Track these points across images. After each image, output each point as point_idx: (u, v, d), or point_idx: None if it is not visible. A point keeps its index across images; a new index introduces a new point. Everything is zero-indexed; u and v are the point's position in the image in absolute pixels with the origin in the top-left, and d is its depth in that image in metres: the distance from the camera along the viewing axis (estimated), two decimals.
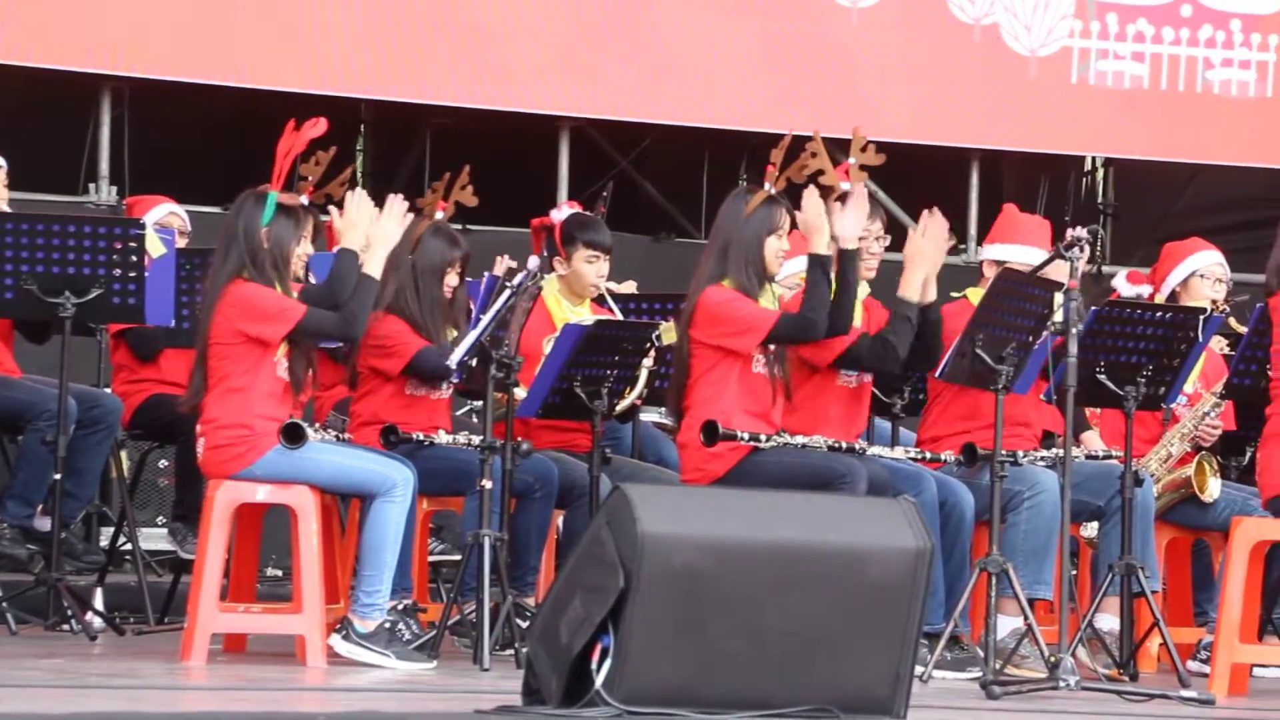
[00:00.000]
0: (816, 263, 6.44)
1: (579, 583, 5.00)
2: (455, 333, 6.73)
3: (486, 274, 6.67)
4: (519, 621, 6.49)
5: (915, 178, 9.51)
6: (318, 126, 6.40)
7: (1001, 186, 10.80)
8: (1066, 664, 6.10)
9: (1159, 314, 6.81)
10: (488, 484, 6.47)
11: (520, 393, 6.69)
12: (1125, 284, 7.48)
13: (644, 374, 6.91)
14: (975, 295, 6.83)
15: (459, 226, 7.52)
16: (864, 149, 6.72)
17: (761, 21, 9.93)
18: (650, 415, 7.51)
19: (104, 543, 8.15)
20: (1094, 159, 11.25)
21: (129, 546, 7.75)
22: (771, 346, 6.47)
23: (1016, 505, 6.65)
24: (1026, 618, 6.44)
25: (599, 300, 7.15)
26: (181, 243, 7.55)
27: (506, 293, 6.48)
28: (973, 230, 10.33)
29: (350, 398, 6.94)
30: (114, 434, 7.40)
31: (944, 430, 6.83)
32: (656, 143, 10.35)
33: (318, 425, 6.80)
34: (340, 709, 5.63)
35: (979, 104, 10.20)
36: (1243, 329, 7.23)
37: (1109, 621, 6.78)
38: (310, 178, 7.08)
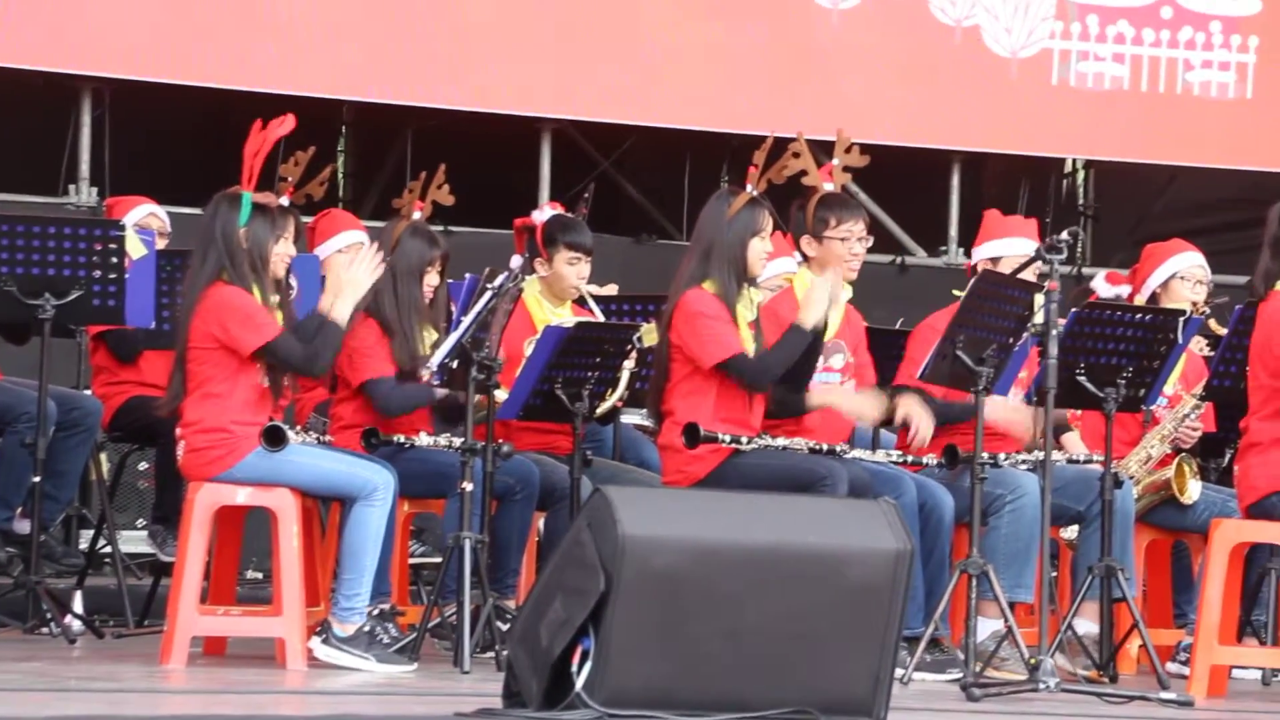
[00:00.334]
0: (798, 331, 6.41)
1: (559, 585, 5.00)
2: (436, 334, 6.73)
3: (468, 275, 6.67)
4: (499, 624, 6.48)
5: (896, 179, 9.53)
6: (285, 124, 6.39)
7: (982, 188, 10.81)
8: (1046, 666, 6.11)
9: (1139, 315, 6.82)
10: (468, 486, 6.46)
11: (501, 395, 6.69)
12: (1104, 284, 7.49)
13: (625, 376, 6.91)
14: None
15: (440, 227, 7.53)
16: (848, 151, 6.73)
17: (742, 23, 9.93)
18: (631, 417, 7.51)
19: (83, 545, 8.13)
20: (1074, 161, 11.27)
21: (108, 549, 7.73)
22: (749, 355, 6.47)
23: (998, 509, 6.66)
24: (1007, 620, 6.45)
25: (580, 302, 7.15)
26: (161, 244, 7.53)
27: (487, 294, 6.48)
28: (953, 232, 10.35)
29: (330, 400, 6.93)
30: (94, 436, 7.38)
31: None
32: (638, 144, 10.35)
33: (298, 428, 6.80)
34: (320, 712, 5.62)
35: (960, 105, 10.21)
36: (1223, 331, 7.24)
37: (1088, 626, 6.79)
38: (290, 178, 7.07)
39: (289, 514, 6.37)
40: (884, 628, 5.03)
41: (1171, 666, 6.90)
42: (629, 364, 6.89)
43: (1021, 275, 6.56)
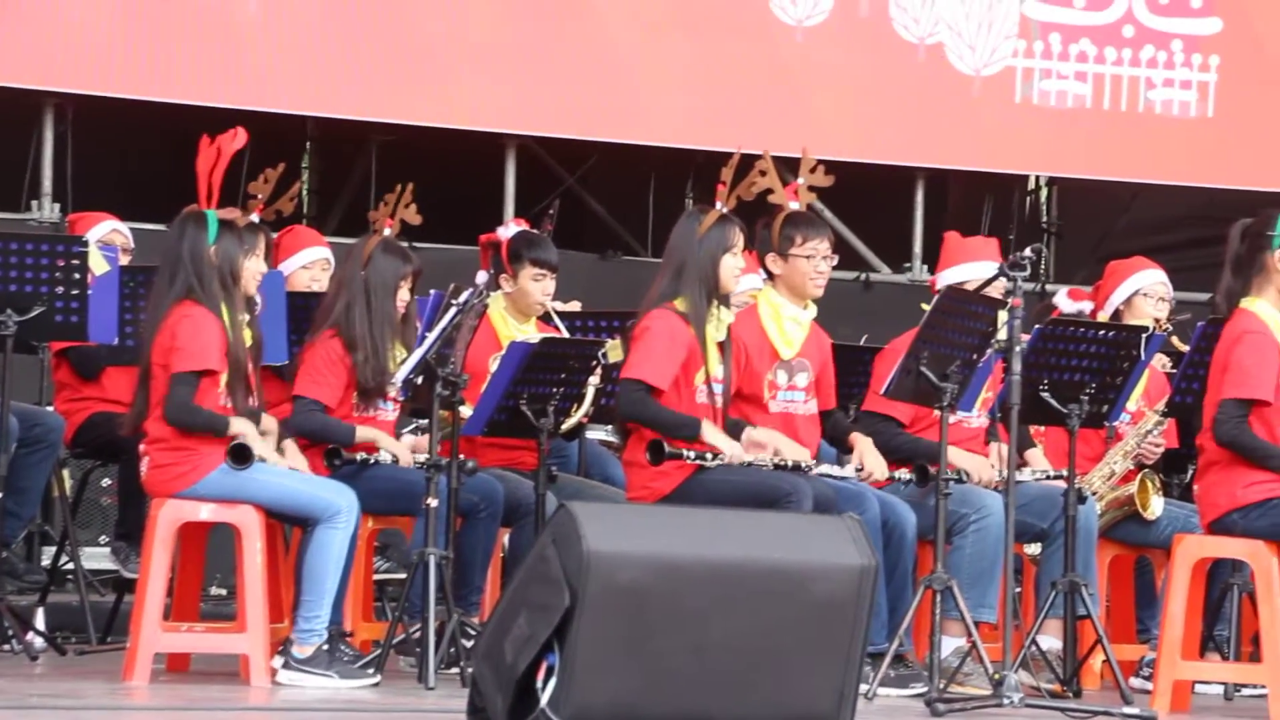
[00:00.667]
0: (688, 430, 6.35)
1: (524, 601, 5.00)
2: (406, 352, 6.72)
3: (433, 291, 6.67)
4: (464, 640, 6.47)
5: (860, 196, 9.54)
6: (237, 139, 6.38)
7: (946, 205, 10.85)
8: (1010, 681, 6.12)
9: (1102, 332, 6.85)
10: (433, 502, 6.46)
11: (466, 411, 6.68)
12: (1067, 301, 7.52)
13: (590, 392, 6.91)
14: None
15: (405, 243, 7.51)
16: (813, 170, 6.75)
17: (706, 40, 9.95)
18: (596, 433, 7.51)
19: (46, 562, 8.09)
20: (1037, 178, 11.31)
21: (71, 566, 7.70)
22: (716, 377, 6.48)
23: (963, 528, 6.67)
24: (971, 635, 6.46)
25: (545, 318, 7.15)
26: (124, 260, 7.51)
27: (452, 310, 6.47)
28: (918, 249, 10.38)
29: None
30: (56, 452, 7.35)
31: None
32: (602, 161, 10.35)
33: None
34: None
35: (923, 123, 10.25)
36: (1185, 347, 7.28)
37: (1052, 641, 6.81)
38: (260, 195, 7.06)
39: (253, 530, 6.36)
40: (848, 643, 5.04)
41: (1135, 681, 6.93)
42: (594, 380, 6.90)
43: (985, 292, 6.59)
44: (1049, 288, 10.12)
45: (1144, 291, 7.50)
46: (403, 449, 6.66)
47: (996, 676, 6.20)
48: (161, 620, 6.41)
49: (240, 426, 6.29)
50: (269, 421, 6.44)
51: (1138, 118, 10.43)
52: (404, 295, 6.80)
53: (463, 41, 9.66)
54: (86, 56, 9.21)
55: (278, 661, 6.34)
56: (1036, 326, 6.84)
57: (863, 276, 10.30)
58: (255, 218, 7.06)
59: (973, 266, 6.93)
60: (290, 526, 6.77)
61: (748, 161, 6.69)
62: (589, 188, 10.46)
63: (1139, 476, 7.18)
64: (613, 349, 6.70)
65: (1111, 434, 7.23)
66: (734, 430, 6.54)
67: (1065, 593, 6.67)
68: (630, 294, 6.74)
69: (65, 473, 7.92)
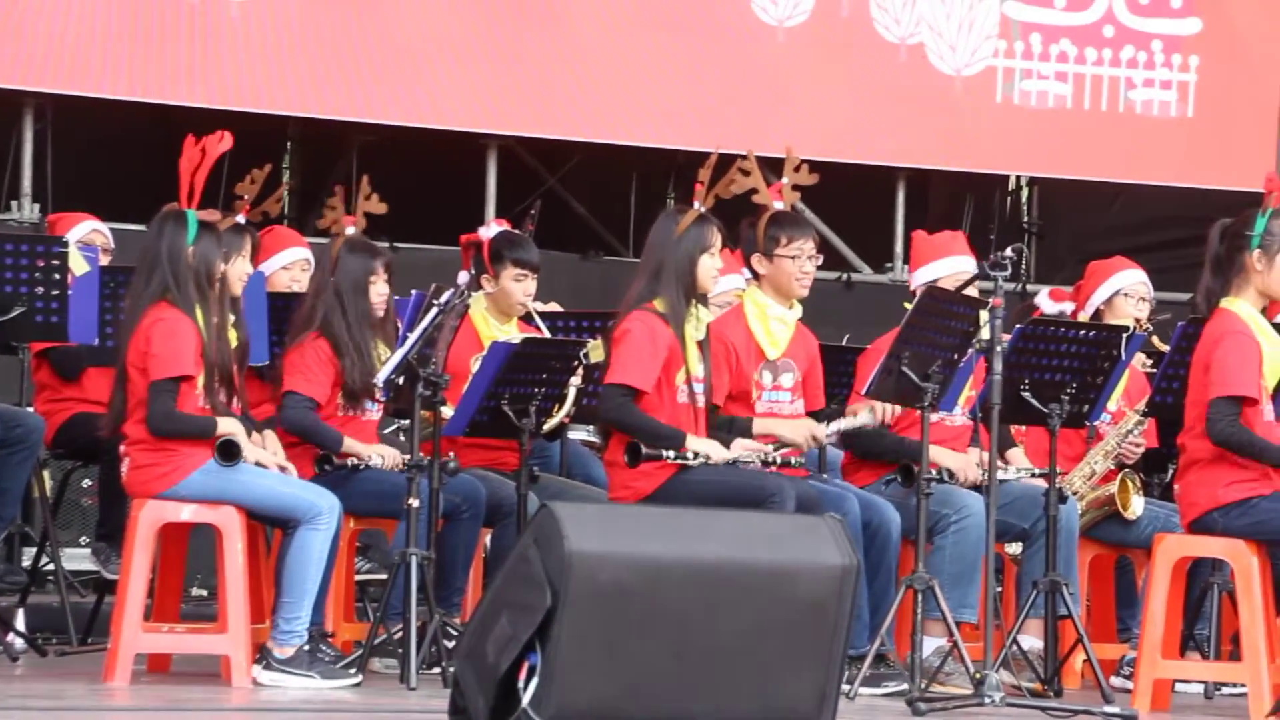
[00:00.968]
0: (673, 441, 6.35)
1: (506, 601, 4.99)
2: (389, 351, 6.72)
3: (414, 292, 6.66)
4: (446, 641, 6.47)
5: (842, 196, 9.55)
6: (224, 142, 6.37)
7: (927, 205, 10.86)
8: (991, 681, 6.13)
9: (1083, 332, 6.86)
10: (414, 503, 6.45)
11: (447, 411, 6.68)
12: (1048, 301, 7.53)
13: (572, 392, 6.91)
14: None
15: (386, 243, 7.51)
16: (797, 169, 6.75)
17: (688, 40, 9.95)
18: (578, 433, 7.51)
19: (26, 563, 8.07)
20: (1018, 178, 11.33)
21: (51, 567, 7.68)
22: (696, 376, 6.48)
23: (943, 529, 6.68)
24: (952, 635, 6.47)
25: (526, 319, 7.15)
26: (105, 260, 7.50)
27: (434, 310, 6.47)
28: (899, 249, 10.39)
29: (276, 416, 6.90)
30: (36, 453, 7.33)
31: None
32: (584, 161, 10.35)
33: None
34: None
35: (905, 123, 10.26)
36: (1165, 347, 7.29)
37: (1033, 641, 6.82)
38: (246, 196, 7.05)
39: (234, 531, 6.35)
40: (830, 643, 5.04)
41: (1115, 681, 6.94)
42: (576, 380, 6.90)
43: (966, 291, 6.60)
44: (1030, 288, 10.14)
45: (1124, 291, 7.52)
46: (389, 451, 6.65)
47: (978, 676, 6.21)
48: (142, 621, 6.40)
49: (228, 426, 6.28)
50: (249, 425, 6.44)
51: (1118, 118, 10.46)
52: (381, 289, 6.79)
53: (444, 42, 9.65)
54: (66, 56, 9.19)
55: (257, 667, 6.33)
56: (1017, 326, 6.85)
57: (844, 277, 10.31)
58: (241, 219, 7.05)
59: (945, 262, 6.95)
60: (271, 528, 6.76)
61: (726, 161, 6.69)
62: (571, 188, 10.46)
63: (1119, 476, 7.20)
64: (594, 349, 6.70)
65: (1092, 434, 7.25)
66: (726, 426, 6.53)
67: (1046, 592, 6.68)
68: (612, 294, 6.75)
69: (46, 473, 7.90)
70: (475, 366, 6.80)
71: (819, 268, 6.88)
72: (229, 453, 6.26)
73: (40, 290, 6.94)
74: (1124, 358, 6.86)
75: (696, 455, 6.39)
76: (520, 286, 7.09)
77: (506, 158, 9.95)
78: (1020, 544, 7.05)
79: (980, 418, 6.49)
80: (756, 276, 6.75)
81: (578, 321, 7.33)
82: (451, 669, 5.47)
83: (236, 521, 6.36)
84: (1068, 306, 7.50)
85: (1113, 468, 7.27)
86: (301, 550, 6.34)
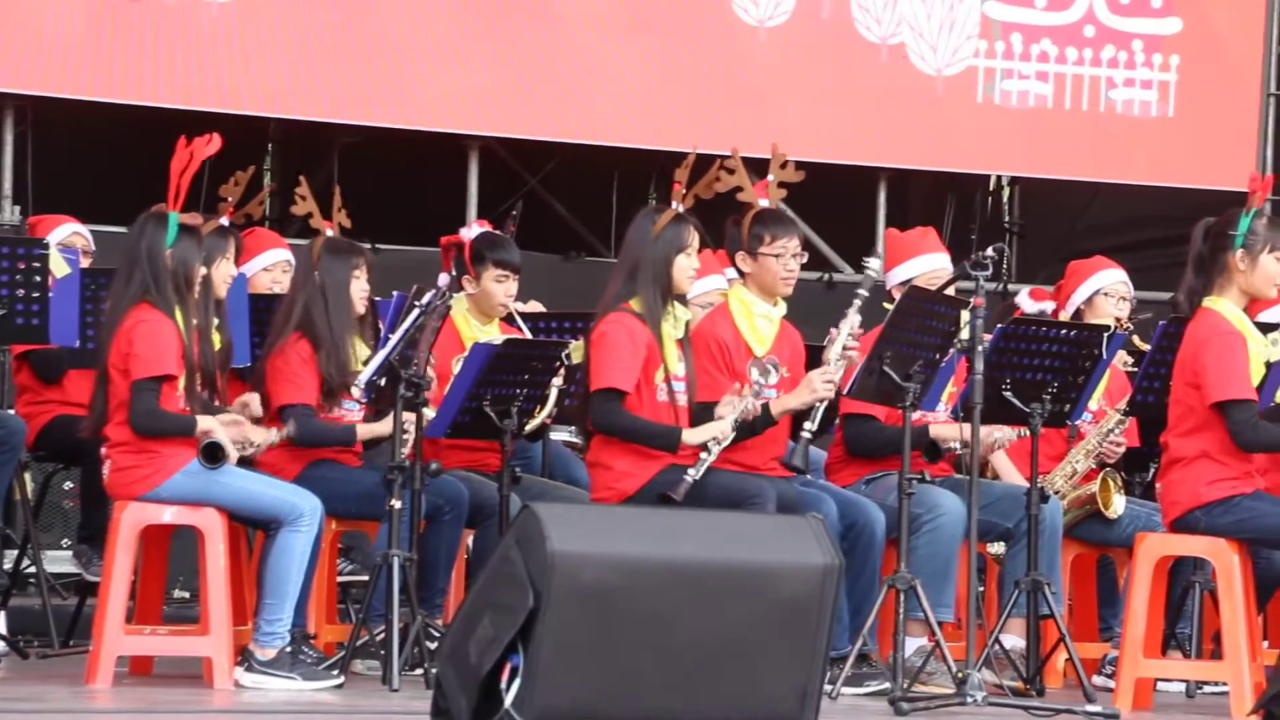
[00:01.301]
0: (667, 440, 6.36)
1: (488, 602, 4.99)
2: (368, 350, 6.72)
3: (395, 293, 6.66)
4: (428, 643, 6.47)
5: (823, 196, 9.56)
6: (211, 144, 6.37)
7: (908, 205, 10.88)
8: (974, 680, 6.14)
9: (1064, 331, 6.88)
10: (396, 504, 6.45)
11: (429, 413, 6.68)
12: (1028, 301, 7.54)
13: (553, 393, 6.91)
14: None
15: (369, 246, 7.50)
16: (783, 166, 6.76)
17: (669, 41, 9.96)
18: (560, 434, 7.51)
19: (8, 565, 8.05)
20: (999, 178, 11.35)
21: (33, 569, 7.67)
22: (676, 375, 6.48)
23: (916, 529, 6.68)
24: (934, 634, 6.48)
25: (508, 319, 7.15)
26: (85, 263, 7.48)
27: (415, 312, 6.47)
28: (880, 249, 10.39)
29: (260, 417, 6.90)
30: (17, 456, 7.32)
31: None
32: (565, 162, 10.36)
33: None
34: None
35: (886, 123, 10.27)
36: (1146, 347, 7.31)
37: (1015, 640, 6.83)
38: (230, 198, 7.05)
39: (216, 533, 6.34)
40: (812, 642, 5.05)
41: (1097, 679, 6.96)
42: (557, 381, 6.90)
43: (947, 291, 6.61)
44: (1011, 287, 10.15)
45: (1105, 291, 7.54)
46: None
47: (960, 675, 6.21)
48: (124, 623, 6.39)
49: (207, 424, 6.27)
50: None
51: (1099, 117, 10.48)
52: (361, 287, 6.80)
53: (425, 43, 9.65)
54: (47, 58, 9.17)
55: (240, 670, 6.32)
56: (999, 326, 6.86)
57: (825, 277, 10.32)
58: (225, 221, 7.05)
59: (920, 261, 6.97)
60: (253, 530, 6.76)
61: (705, 162, 6.70)
62: (552, 189, 10.46)
63: (1101, 475, 7.21)
64: (576, 350, 6.70)
65: (1074, 433, 7.26)
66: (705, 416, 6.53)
67: (1028, 591, 6.69)
68: (593, 295, 6.75)
69: (27, 476, 7.88)
70: (457, 368, 6.80)
71: (803, 267, 6.89)
72: (213, 455, 6.25)
73: (21, 292, 6.93)
74: (1105, 357, 6.87)
75: (707, 447, 6.39)
76: (502, 287, 7.10)
77: (488, 159, 9.95)
78: (1003, 543, 7.06)
79: (961, 418, 6.50)
80: (741, 275, 6.75)
81: (559, 322, 7.33)
82: (434, 670, 5.47)
83: (218, 523, 6.35)
84: (1048, 306, 7.52)
85: (1094, 467, 7.28)
86: (283, 552, 6.34)
